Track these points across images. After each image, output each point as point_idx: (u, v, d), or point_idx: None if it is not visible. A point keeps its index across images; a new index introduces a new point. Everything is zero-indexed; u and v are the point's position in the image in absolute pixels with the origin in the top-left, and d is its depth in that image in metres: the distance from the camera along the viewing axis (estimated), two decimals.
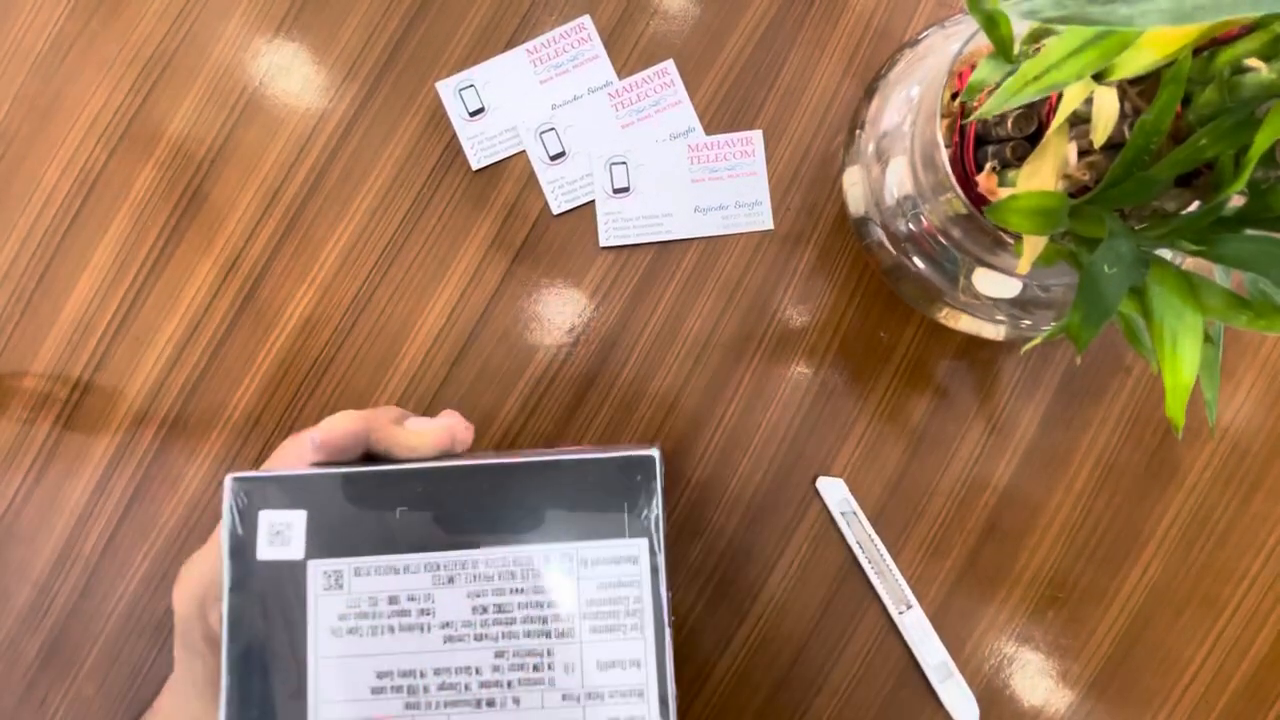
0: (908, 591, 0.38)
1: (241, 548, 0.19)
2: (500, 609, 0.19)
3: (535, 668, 0.19)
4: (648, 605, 0.20)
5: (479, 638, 0.19)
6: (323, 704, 0.19)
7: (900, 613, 0.38)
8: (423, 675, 0.19)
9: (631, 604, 0.20)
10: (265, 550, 0.19)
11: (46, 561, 0.39)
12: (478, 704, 0.19)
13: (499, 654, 0.19)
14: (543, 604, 0.19)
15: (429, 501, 0.19)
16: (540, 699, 0.19)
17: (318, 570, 0.19)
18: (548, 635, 0.19)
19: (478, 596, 0.19)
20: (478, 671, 0.19)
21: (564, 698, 0.19)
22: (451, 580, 0.19)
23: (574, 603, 0.19)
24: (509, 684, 0.19)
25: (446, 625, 0.19)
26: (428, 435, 0.27)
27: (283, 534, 0.19)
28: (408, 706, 0.19)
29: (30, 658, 0.38)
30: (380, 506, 0.19)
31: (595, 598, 0.20)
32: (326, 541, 0.19)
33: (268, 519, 0.19)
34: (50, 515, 0.39)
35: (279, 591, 0.19)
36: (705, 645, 0.39)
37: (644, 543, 0.20)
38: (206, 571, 0.28)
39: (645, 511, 0.20)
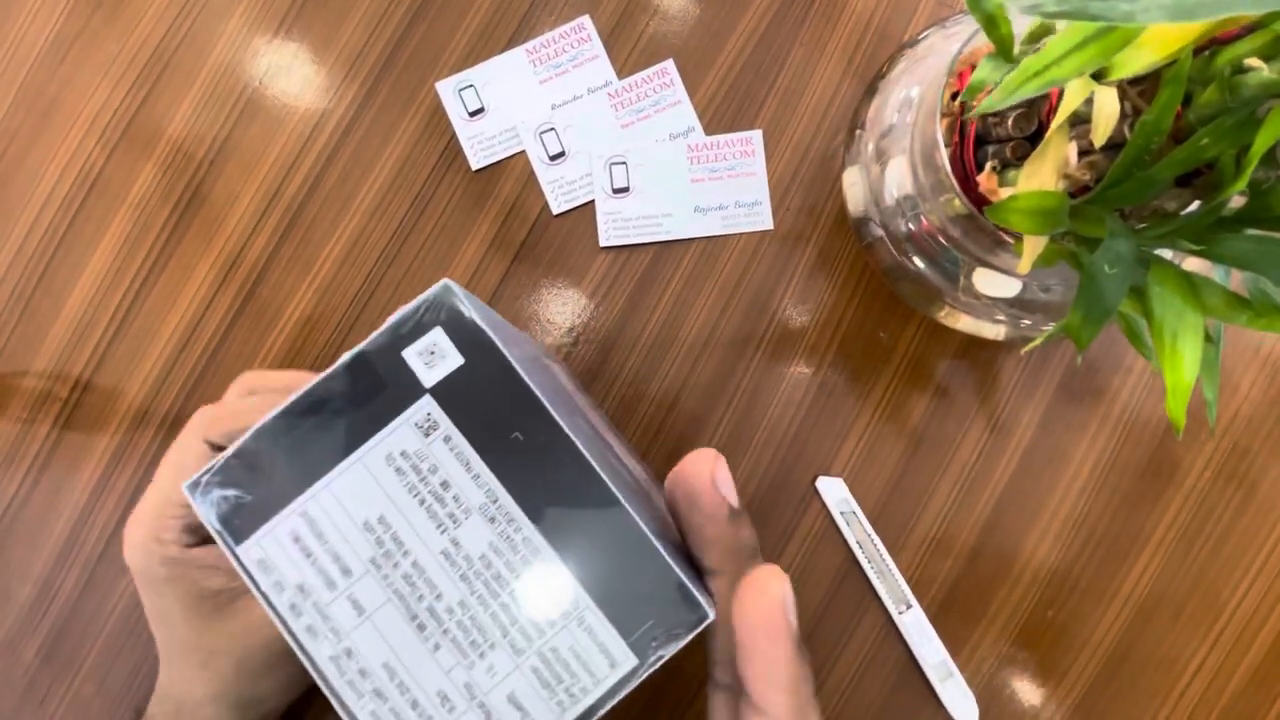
0: (908, 591, 0.38)
1: (397, 334, 0.19)
2: (499, 580, 0.19)
3: (473, 644, 0.19)
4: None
5: (464, 578, 0.19)
6: (322, 492, 0.18)
7: (900, 613, 0.38)
8: (405, 555, 0.19)
9: (577, 690, 0.19)
10: (412, 357, 0.19)
11: (47, 561, 0.39)
12: (413, 617, 0.19)
13: (463, 605, 0.19)
14: (522, 611, 0.19)
15: (542, 455, 0.19)
16: (446, 665, 0.19)
17: (423, 409, 0.19)
18: (504, 633, 0.19)
19: (495, 553, 0.19)
20: (439, 598, 0.19)
21: (467, 687, 0.19)
22: (492, 520, 0.19)
23: (541, 637, 0.19)
24: (445, 630, 0.19)
25: (455, 544, 0.19)
26: None
27: (435, 356, 0.19)
28: (371, 562, 0.19)
29: (30, 657, 0.38)
30: (508, 419, 0.19)
31: (561, 656, 0.19)
32: (450, 400, 0.19)
33: (433, 338, 0.19)
34: (50, 515, 0.39)
35: (386, 388, 0.19)
36: (704, 646, 0.39)
37: (632, 661, 0.19)
38: (150, 509, 0.30)
39: (656, 642, 0.19)
